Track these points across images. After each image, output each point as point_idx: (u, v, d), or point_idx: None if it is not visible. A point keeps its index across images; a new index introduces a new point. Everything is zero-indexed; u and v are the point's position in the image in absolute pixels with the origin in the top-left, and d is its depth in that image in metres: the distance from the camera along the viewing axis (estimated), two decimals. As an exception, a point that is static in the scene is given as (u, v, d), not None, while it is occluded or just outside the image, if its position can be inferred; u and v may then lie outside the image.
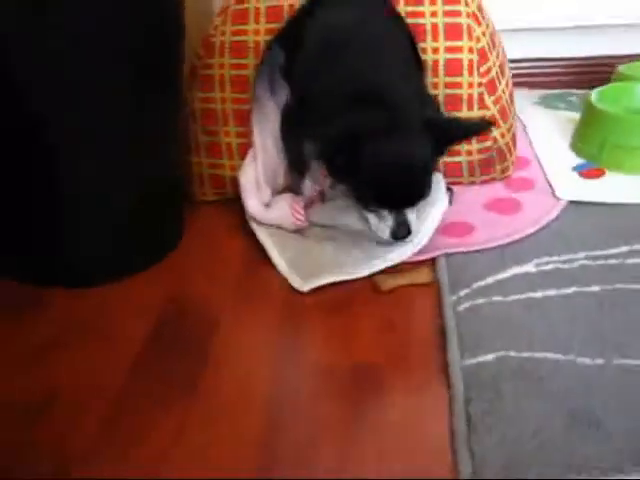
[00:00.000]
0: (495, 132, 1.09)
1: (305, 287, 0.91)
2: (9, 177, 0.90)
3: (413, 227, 0.89)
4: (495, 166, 1.11)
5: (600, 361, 0.75)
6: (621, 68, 1.36)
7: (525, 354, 0.76)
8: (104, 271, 0.95)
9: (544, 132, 1.30)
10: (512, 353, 0.76)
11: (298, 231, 1.02)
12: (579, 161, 1.17)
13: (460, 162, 1.09)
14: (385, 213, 0.88)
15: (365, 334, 0.83)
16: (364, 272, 0.92)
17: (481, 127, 0.93)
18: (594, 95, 1.20)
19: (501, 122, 1.09)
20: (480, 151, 1.09)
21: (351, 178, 0.89)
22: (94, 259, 0.96)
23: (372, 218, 0.90)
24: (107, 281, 0.94)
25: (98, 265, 0.96)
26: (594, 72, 1.62)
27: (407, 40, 1.03)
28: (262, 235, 1.00)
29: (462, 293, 0.86)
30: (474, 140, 1.08)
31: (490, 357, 0.76)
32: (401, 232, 0.89)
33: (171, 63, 0.97)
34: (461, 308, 0.84)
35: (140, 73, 0.90)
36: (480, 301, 0.85)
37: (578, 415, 0.68)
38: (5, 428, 0.71)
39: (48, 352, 0.81)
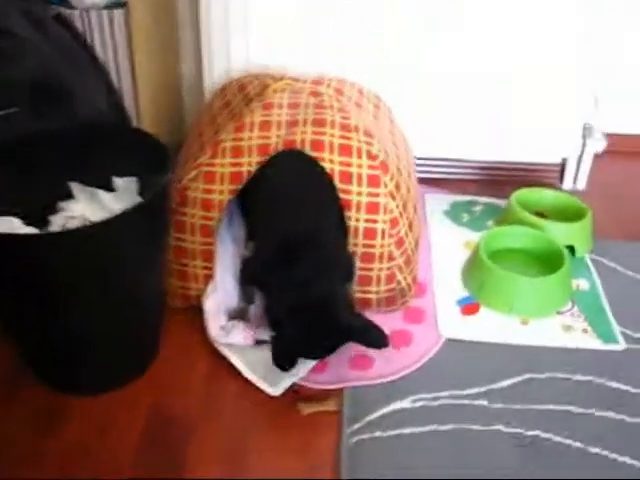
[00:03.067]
0: (399, 276, 1.44)
1: (276, 392, 1.26)
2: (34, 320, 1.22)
3: None
4: (397, 300, 1.47)
5: (437, 494, 1.13)
6: (512, 199, 1.71)
7: (388, 486, 1.14)
8: (106, 382, 1.30)
9: (444, 255, 1.65)
10: (380, 484, 1.14)
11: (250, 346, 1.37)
12: (463, 294, 1.53)
13: (370, 298, 1.45)
14: None
15: (287, 450, 1.20)
16: (306, 370, 1.30)
17: (383, 345, 1.28)
18: (482, 239, 1.55)
19: (405, 268, 1.44)
20: (386, 291, 1.44)
21: None
22: (100, 373, 1.30)
23: None
24: (109, 390, 1.28)
25: (102, 378, 1.30)
26: (503, 176, 1.98)
27: (337, 212, 1.37)
28: (229, 354, 1.33)
29: (355, 427, 1.23)
30: (382, 283, 1.43)
31: (365, 487, 1.14)
32: None
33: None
34: (353, 441, 1.20)
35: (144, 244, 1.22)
36: (365, 436, 1.21)
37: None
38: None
39: (77, 452, 1.18)
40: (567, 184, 1.93)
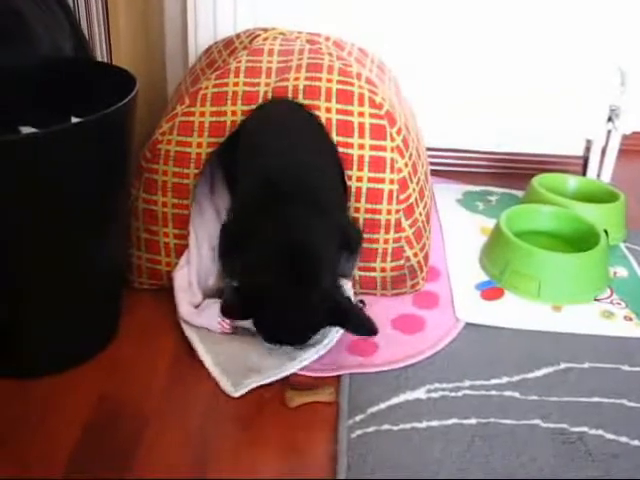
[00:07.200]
0: (409, 252, 1.21)
1: (236, 393, 1.01)
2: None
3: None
4: (406, 282, 1.24)
5: (461, 500, 0.88)
6: (534, 182, 1.50)
7: (400, 488, 0.89)
8: (47, 364, 1.05)
9: (459, 240, 1.42)
10: (390, 486, 0.89)
11: (226, 334, 1.13)
12: (483, 278, 1.30)
13: (374, 277, 1.22)
14: None
15: (267, 451, 0.95)
16: (283, 374, 1.03)
17: (369, 332, 1.03)
18: (503, 217, 1.33)
19: (415, 243, 1.21)
20: (393, 269, 1.21)
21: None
22: (36, 351, 1.05)
23: None
24: (48, 373, 1.04)
25: (42, 358, 1.06)
26: (518, 169, 1.78)
27: (336, 169, 1.15)
28: (195, 340, 1.10)
29: (357, 418, 0.98)
30: (388, 258, 1.21)
31: (370, 489, 0.88)
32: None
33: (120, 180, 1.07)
34: (354, 435, 0.95)
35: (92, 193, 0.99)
36: (371, 429, 0.96)
37: None
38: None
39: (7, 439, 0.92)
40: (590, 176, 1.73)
